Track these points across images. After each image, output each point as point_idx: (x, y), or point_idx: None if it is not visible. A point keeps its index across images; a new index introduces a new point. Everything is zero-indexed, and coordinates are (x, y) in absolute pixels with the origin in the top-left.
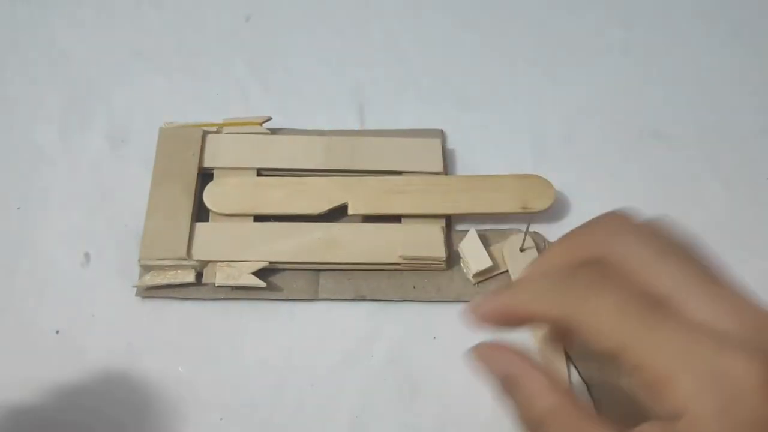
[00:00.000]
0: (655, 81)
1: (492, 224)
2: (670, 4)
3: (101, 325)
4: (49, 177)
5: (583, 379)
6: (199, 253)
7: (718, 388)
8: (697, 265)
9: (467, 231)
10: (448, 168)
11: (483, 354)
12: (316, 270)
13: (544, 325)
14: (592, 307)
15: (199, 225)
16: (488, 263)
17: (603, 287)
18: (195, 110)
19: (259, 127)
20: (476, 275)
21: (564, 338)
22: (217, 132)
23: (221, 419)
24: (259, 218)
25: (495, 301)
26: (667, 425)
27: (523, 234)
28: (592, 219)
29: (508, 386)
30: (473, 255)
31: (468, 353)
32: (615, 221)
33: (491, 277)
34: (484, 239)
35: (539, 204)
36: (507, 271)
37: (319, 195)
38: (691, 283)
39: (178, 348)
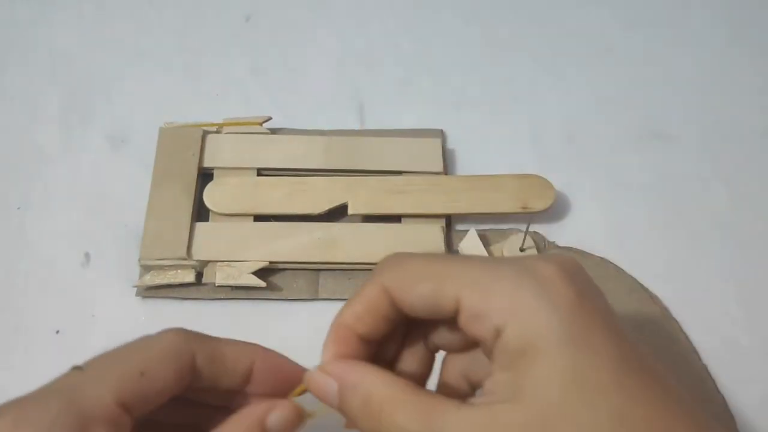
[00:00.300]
0: (655, 81)
1: (492, 224)
2: (670, 4)
3: (101, 325)
4: (49, 177)
5: None
6: (199, 253)
7: (529, 286)
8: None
9: (467, 231)
10: (448, 168)
11: (311, 381)
12: (316, 270)
13: (377, 318)
14: (401, 269)
15: (199, 225)
16: None
17: (409, 256)
18: (195, 110)
19: (259, 127)
20: None
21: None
22: (217, 132)
23: None
24: (259, 218)
25: (338, 328)
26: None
27: (522, 234)
28: None
29: (342, 396)
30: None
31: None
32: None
33: None
34: (484, 239)
35: (539, 204)
36: None
37: (319, 195)
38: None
39: None
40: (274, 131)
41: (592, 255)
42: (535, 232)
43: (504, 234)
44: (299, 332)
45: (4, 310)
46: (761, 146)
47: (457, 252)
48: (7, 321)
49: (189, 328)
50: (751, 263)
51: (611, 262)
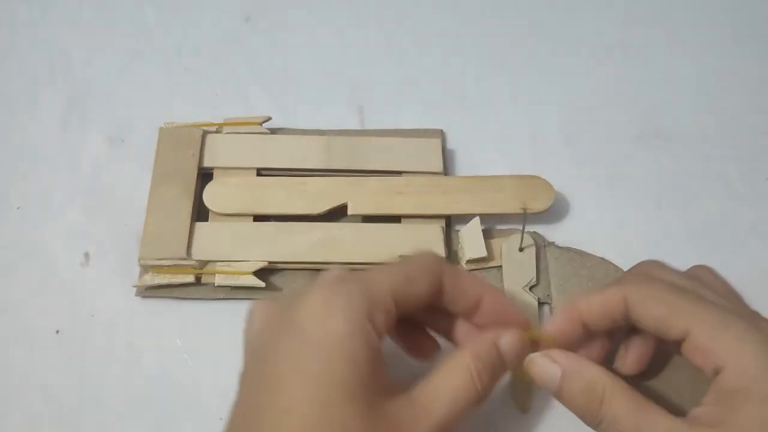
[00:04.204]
0: (655, 81)
1: (492, 225)
2: (670, 4)
3: (101, 325)
4: (49, 177)
5: None
6: (199, 253)
7: (754, 341)
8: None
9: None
10: (448, 168)
11: (536, 361)
12: (316, 270)
13: (605, 315)
14: (645, 288)
15: (199, 225)
16: (483, 253)
17: (652, 278)
18: (195, 110)
19: (259, 127)
20: (469, 262)
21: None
22: (217, 132)
23: (221, 419)
24: (259, 218)
25: (570, 309)
26: (715, 391)
27: (521, 234)
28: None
29: (565, 380)
30: (471, 242)
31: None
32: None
33: (483, 269)
34: (488, 232)
35: (539, 205)
36: (500, 266)
37: (319, 195)
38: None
39: (178, 348)
40: (274, 131)
41: (592, 255)
42: (534, 232)
43: (505, 233)
44: None
45: (4, 310)
46: (761, 146)
47: (457, 253)
48: (7, 321)
49: (188, 328)
50: (750, 263)
51: (611, 262)
